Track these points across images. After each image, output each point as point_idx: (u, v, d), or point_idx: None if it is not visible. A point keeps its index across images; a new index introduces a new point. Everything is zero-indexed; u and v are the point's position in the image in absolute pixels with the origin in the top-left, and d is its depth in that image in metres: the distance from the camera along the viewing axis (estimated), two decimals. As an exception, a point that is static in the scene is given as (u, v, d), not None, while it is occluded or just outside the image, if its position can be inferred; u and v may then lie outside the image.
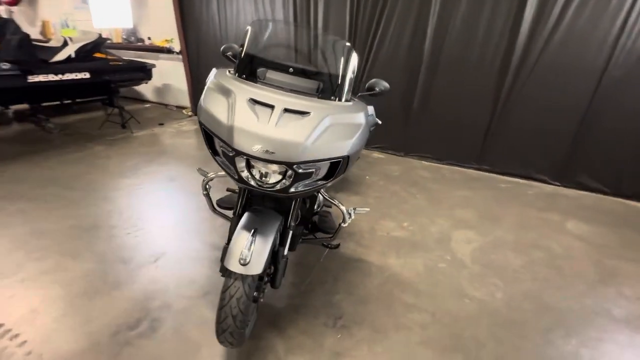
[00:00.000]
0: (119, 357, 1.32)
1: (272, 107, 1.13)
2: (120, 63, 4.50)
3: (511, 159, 3.25)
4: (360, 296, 1.71)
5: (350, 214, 1.70)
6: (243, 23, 4.08)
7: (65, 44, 4.13)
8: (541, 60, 2.85)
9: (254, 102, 1.14)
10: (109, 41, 4.77)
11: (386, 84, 1.75)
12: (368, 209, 1.85)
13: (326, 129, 1.14)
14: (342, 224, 1.65)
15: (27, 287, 1.63)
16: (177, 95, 5.42)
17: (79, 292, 1.62)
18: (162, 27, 4.93)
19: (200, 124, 1.23)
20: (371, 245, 2.13)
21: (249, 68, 1.31)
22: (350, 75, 1.30)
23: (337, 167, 1.19)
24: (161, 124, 4.60)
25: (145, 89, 5.78)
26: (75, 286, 1.65)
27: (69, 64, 3.98)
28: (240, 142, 1.08)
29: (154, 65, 5.03)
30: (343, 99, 1.28)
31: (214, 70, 1.32)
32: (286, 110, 1.13)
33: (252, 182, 1.18)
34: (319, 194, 1.64)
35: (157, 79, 5.36)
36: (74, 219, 2.20)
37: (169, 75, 5.28)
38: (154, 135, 4.18)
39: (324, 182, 1.24)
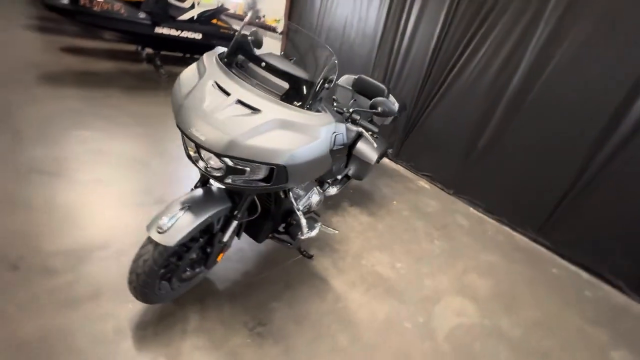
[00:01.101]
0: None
1: (228, 95, 1.13)
2: (230, 32, 5.06)
3: (583, 244, 2.56)
4: (298, 314, 1.63)
5: (313, 227, 1.62)
6: (339, 16, 4.11)
7: (192, 6, 4.83)
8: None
9: (217, 86, 1.16)
10: (229, 11, 5.38)
11: (392, 108, 1.58)
12: (337, 232, 1.72)
13: (269, 131, 1.09)
14: (300, 236, 1.59)
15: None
16: (270, 71, 5.83)
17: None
18: (277, 8, 5.32)
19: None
20: (346, 270, 1.99)
21: (234, 55, 1.33)
22: (322, 85, 1.21)
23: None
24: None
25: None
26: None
27: (189, 24, 4.66)
28: (182, 120, 1.12)
29: (257, 40, 5.51)
30: (306, 107, 1.20)
31: (214, 50, 1.39)
32: (239, 101, 1.12)
33: (199, 164, 1.22)
34: (289, 196, 1.59)
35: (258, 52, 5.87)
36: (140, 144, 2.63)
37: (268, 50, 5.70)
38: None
39: (265, 184, 1.20)
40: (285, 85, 1.24)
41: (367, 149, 2.30)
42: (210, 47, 5.35)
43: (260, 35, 1.56)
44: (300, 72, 1.27)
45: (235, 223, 1.41)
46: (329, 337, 1.56)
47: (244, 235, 1.68)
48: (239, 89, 1.14)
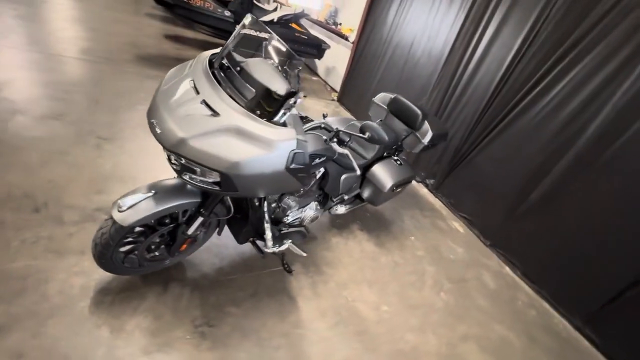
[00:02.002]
0: (80, 224, 1.77)
1: (198, 94, 1.14)
2: (303, 36, 5.24)
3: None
4: (249, 327, 1.57)
5: (281, 243, 1.55)
6: (409, 33, 3.91)
7: (275, 9, 5.14)
8: None
9: (193, 84, 1.18)
10: (308, 17, 5.57)
11: (382, 136, 1.41)
12: (305, 254, 1.61)
13: (220, 137, 1.07)
14: (265, 248, 1.53)
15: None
16: (337, 79, 5.88)
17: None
18: (354, 17, 5.33)
19: None
20: (322, 296, 1.86)
21: (221, 57, 1.33)
22: (287, 97, 1.13)
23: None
24: (304, 96, 5.17)
25: (320, 64, 6.54)
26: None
27: (267, 25, 4.96)
28: (150, 109, 1.16)
29: (328, 47, 5.61)
30: (266, 118, 1.13)
31: (210, 50, 1.42)
32: (204, 102, 1.12)
33: (165, 152, 1.26)
34: (262, 204, 1.54)
35: (330, 59, 5.97)
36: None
37: (339, 59, 5.75)
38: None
39: (218, 188, 1.18)
40: (249, 92, 1.20)
41: (383, 174, 2.12)
42: None
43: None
44: (273, 82, 1.21)
45: (200, 219, 1.43)
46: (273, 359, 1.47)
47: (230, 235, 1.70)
48: (208, 90, 1.14)
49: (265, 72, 1.24)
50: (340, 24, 5.74)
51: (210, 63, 1.29)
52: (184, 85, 1.18)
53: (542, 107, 2.49)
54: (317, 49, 5.44)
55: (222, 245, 1.93)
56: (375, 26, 4.57)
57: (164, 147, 1.11)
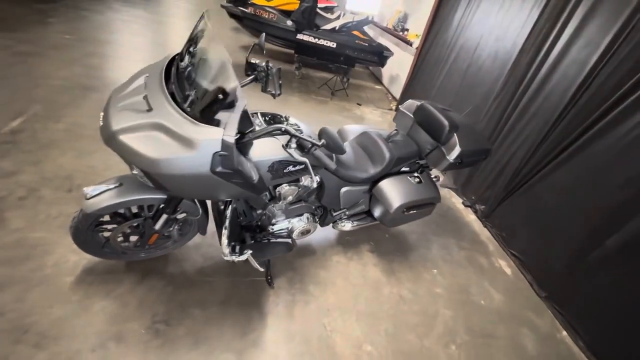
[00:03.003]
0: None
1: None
2: (364, 44, 5.09)
3: None
4: (206, 334, 1.50)
5: (241, 253, 1.45)
6: (474, 34, 3.42)
7: (337, 17, 5.13)
8: None
9: (145, 80, 1.18)
10: (372, 23, 5.38)
11: (338, 144, 1.19)
12: (261, 270, 1.46)
13: (146, 132, 1.03)
14: (223, 256, 1.45)
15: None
16: (399, 88, 5.54)
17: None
18: (422, 22, 4.96)
19: None
20: (296, 318, 1.68)
21: (180, 55, 1.29)
22: (215, 97, 1.02)
23: None
24: (359, 104, 5.00)
25: (385, 72, 6.26)
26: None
27: (328, 33, 4.98)
28: (108, 99, 1.19)
29: (391, 54, 5.32)
30: (200, 118, 1.04)
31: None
32: (145, 97, 1.10)
33: None
34: (227, 208, 1.46)
35: (396, 67, 5.67)
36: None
37: (403, 67, 5.41)
38: (343, 108, 4.65)
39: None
40: (188, 88, 1.13)
41: (391, 192, 1.84)
42: (344, 57, 5.51)
43: (263, 42, 1.49)
44: (210, 80, 1.11)
45: (164, 216, 1.43)
46: (214, 376, 1.37)
47: None
48: (155, 87, 1.13)
49: (208, 70, 1.17)
50: (407, 29, 5.41)
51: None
52: (138, 81, 1.19)
53: (634, 125, 1.84)
54: (379, 56, 5.21)
55: (212, 245, 1.92)
56: (440, 29, 4.15)
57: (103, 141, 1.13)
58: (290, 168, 1.43)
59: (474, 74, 3.32)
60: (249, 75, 1.54)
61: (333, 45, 5.00)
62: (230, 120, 1.05)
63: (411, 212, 1.91)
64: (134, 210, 1.52)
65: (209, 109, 1.04)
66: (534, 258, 2.37)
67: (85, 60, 3.67)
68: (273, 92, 1.49)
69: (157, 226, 1.46)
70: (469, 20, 3.54)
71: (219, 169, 1.04)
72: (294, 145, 1.26)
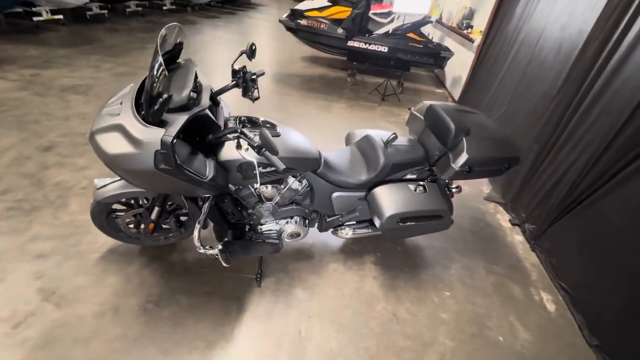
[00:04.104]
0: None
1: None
2: (418, 46, 4.82)
3: None
4: (184, 320, 1.62)
5: (211, 248, 1.52)
6: (537, 25, 2.93)
7: (391, 21, 4.99)
8: None
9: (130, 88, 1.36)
10: (430, 22, 5.04)
11: (272, 145, 1.15)
12: (227, 266, 1.49)
13: (111, 133, 1.18)
14: (198, 249, 1.54)
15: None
16: (460, 90, 5.06)
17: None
18: (487, 18, 4.46)
19: None
20: (273, 319, 1.67)
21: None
22: (163, 102, 1.11)
23: None
24: (409, 109, 4.73)
25: (448, 74, 5.79)
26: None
27: (379, 38, 4.88)
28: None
29: (450, 55, 4.92)
30: (144, 119, 1.15)
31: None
32: (121, 102, 1.27)
33: None
34: (204, 203, 1.55)
35: (458, 68, 5.22)
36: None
37: (466, 68, 4.94)
38: (391, 113, 4.47)
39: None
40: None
41: (384, 200, 1.71)
42: (395, 60, 5.42)
43: (253, 48, 1.57)
44: (157, 85, 1.20)
45: (156, 209, 1.61)
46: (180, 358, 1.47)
47: None
48: (129, 94, 1.28)
49: (172, 79, 1.28)
50: (472, 26, 4.92)
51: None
52: (125, 90, 1.38)
53: None
54: (435, 57, 4.87)
55: (214, 240, 2.07)
56: (502, 23, 3.69)
57: None
58: (261, 169, 1.46)
59: (534, 71, 2.84)
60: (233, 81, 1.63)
61: (384, 49, 4.87)
62: (175, 122, 1.14)
63: (408, 224, 1.73)
64: (142, 201, 1.75)
65: (156, 112, 1.15)
66: (589, 295, 1.88)
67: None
68: (250, 96, 1.55)
69: (152, 216, 1.65)
70: (532, 9, 3.06)
71: (161, 166, 1.13)
72: (245, 146, 1.29)
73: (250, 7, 12.89)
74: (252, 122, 1.53)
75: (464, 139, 1.65)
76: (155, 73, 1.15)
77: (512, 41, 3.33)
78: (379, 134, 1.94)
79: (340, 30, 4.81)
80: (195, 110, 1.23)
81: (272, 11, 11.91)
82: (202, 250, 1.52)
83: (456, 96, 5.15)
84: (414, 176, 1.90)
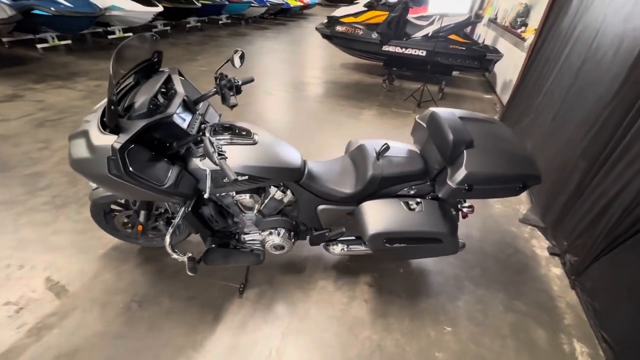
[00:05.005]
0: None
1: None
2: (461, 48, 4.44)
3: None
4: (161, 324, 1.63)
5: (182, 254, 1.52)
6: (594, 19, 2.47)
7: (431, 23, 4.69)
8: None
9: None
10: (477, 22, 4.61)
11: (211, 156, 1.07)
12: (192, 275, 1.45)
13: (79, 140, 1.23)
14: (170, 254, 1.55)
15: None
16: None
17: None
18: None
19: None
20: (246, 332, 1.60)
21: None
22: (117, 110, 1.12)
23: None
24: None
25: (499, 78, 5.23)
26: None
27: (415, 42, 4.62)
28: None
29: (498, 57, 4.45)
30: (104, 127, 1.17)
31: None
32: (96, 111, 1.33)
33: None
34: (180, 209, 1.55)
35: (510, 72, 4.71)
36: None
37: (518, 70, 4.41)
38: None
39: None
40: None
41: (370, 216, 1.54)
42: (434, 64, 5.25)
43: (241, 54, 1.58)
44: (145, 93, 1.21)
45: (142, 212, 1.66)
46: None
47: None
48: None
49: (149, 88, 1.31)
50: (527, 24, 4.39)
51: None
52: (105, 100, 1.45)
53: None
54: (480, 60, 4.43)
55: (211, 245, 2.08)
56: (557, 19, 3.22)
57: None
58: (240, 178, 1.42)
59: (589, 73, 2.40)
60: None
61: (422, 53, 4.59)
62: (130, 128, 1.15)
63: (396, 245, 1.52)
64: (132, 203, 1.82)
65: (109, 119, 1.17)
66: (635, 350, 1.47)
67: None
68: (228, 104, 1.53)
69: (140, 218, 1.71)
70: (589, 1, 2.59)
71: (113, 171, 1.15)
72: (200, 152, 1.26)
73: (302, 17, 13.29)
74: (227, 129, 1.50)
75: (464, 151, 1.41)
76: (112, 81, 1.18)
77: (566, 38, 2.86)
78: (376, 144, 1.77)
79: (374, 35, 4.65)
80: (156, 117, 1.23)
81: (323, 20, 12.08)
82: (174, 256, 1.52)
83: (507, 100, 4.62)
84: (412, 192, 1.69)
